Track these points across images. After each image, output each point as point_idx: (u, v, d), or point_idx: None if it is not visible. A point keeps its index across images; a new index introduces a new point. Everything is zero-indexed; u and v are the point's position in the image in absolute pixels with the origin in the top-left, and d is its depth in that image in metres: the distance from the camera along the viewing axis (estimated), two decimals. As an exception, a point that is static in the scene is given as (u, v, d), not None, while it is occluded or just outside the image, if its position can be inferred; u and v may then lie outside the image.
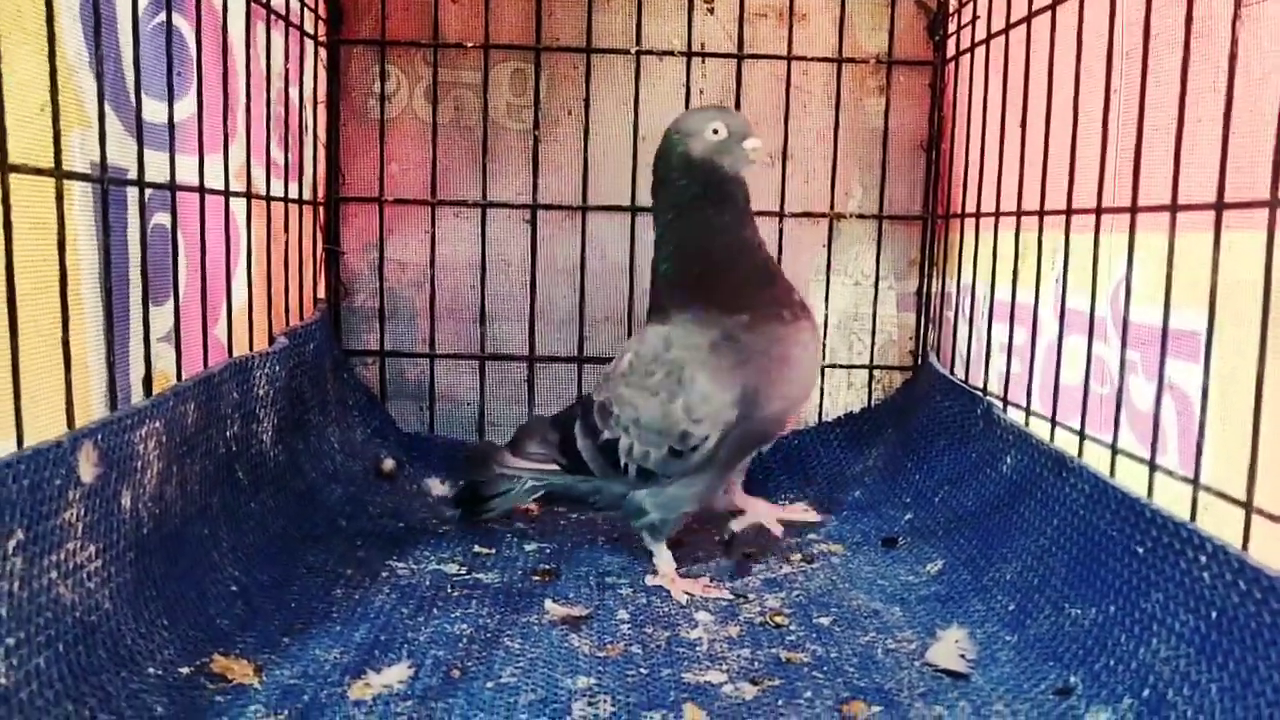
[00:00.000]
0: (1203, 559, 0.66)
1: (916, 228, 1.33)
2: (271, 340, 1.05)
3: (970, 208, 1.16)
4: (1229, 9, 0.68)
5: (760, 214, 1.29)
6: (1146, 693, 0.66)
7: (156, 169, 0.81)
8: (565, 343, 1.33)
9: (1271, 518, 0.64)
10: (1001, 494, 0.96)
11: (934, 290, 1.31)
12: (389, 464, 1.21)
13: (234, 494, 0.88)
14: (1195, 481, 0.72)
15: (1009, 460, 0.97)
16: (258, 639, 0.75)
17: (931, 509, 1.06)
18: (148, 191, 0.79)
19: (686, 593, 0.89)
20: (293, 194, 1.13)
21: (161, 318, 0.84)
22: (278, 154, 1.09)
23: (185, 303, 0.87)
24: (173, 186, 0.83)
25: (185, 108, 0.88)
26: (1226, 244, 0.70)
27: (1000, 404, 1.05)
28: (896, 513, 1.10)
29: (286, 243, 1.11)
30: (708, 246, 0.90)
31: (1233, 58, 0.68)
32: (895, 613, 0.87)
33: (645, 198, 1.29)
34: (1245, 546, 0.65)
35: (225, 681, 0.68)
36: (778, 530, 0.96)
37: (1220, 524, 0.68)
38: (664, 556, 0.93)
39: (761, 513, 0.98)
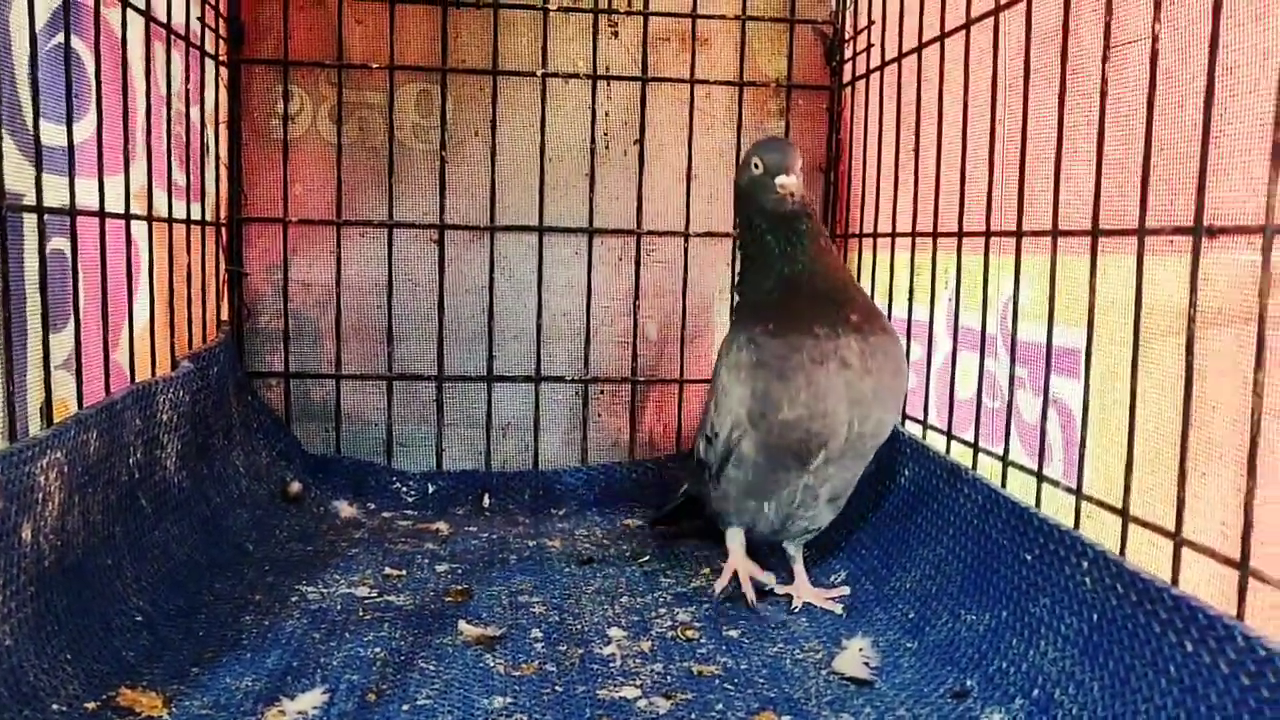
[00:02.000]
0: (1085, 564, 0.70)
1: (816, 247, 1.37)
2: (174, 364, 1.04)
3: (868, 228, 1.20)
4: (1099, 48, 0.73)
5: (666, 234, 1.33)
6: (1036, 693, 0.70)
7: (54, 192, 0.80)
8: (474, 362, 1.33)
9: (1146, 525, 0.68)
10: (900, 505, 1.00)
11: (834, 307, 1.35)
12: (295, 487, 1.20)
13: (137, 523, 0.87)
14: (1078, 491, 0.76)
15: (907, 472, 1.01)
16: (166, 670, 0.74)
17: (834, 522, 1.09)
18: (45, 215, 0.78)
19: (735, 573, 0.94)
20: (194, 215, 1.12)
21: (60, 343, 0.82)
22: (179, 175, 1.08)
23: (85, 328, 0.86)
24: (73, 212, 0.82)
25: (83, 130, 0.86)
26: (1102, 268, 0.74)
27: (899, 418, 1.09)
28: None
29: (188, 264, 1.09)
30: (759, 271, 0.93)
31: (1103, 94, 0.72)
32: (801, 623, 0.89)
33: (552, 218, 1.32)
34: (1122, 552, 0.69)
35: (133, 715, 0.67)
36: (799, 604, 0.94)
37: (1102, 531, 0.72)
38: (733, 536, 0.97)
39: (800, 586, 0.97)
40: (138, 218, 0.95)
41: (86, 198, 0.85)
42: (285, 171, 1.27)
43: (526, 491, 1.30)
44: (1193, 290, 0.62)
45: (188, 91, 1.10)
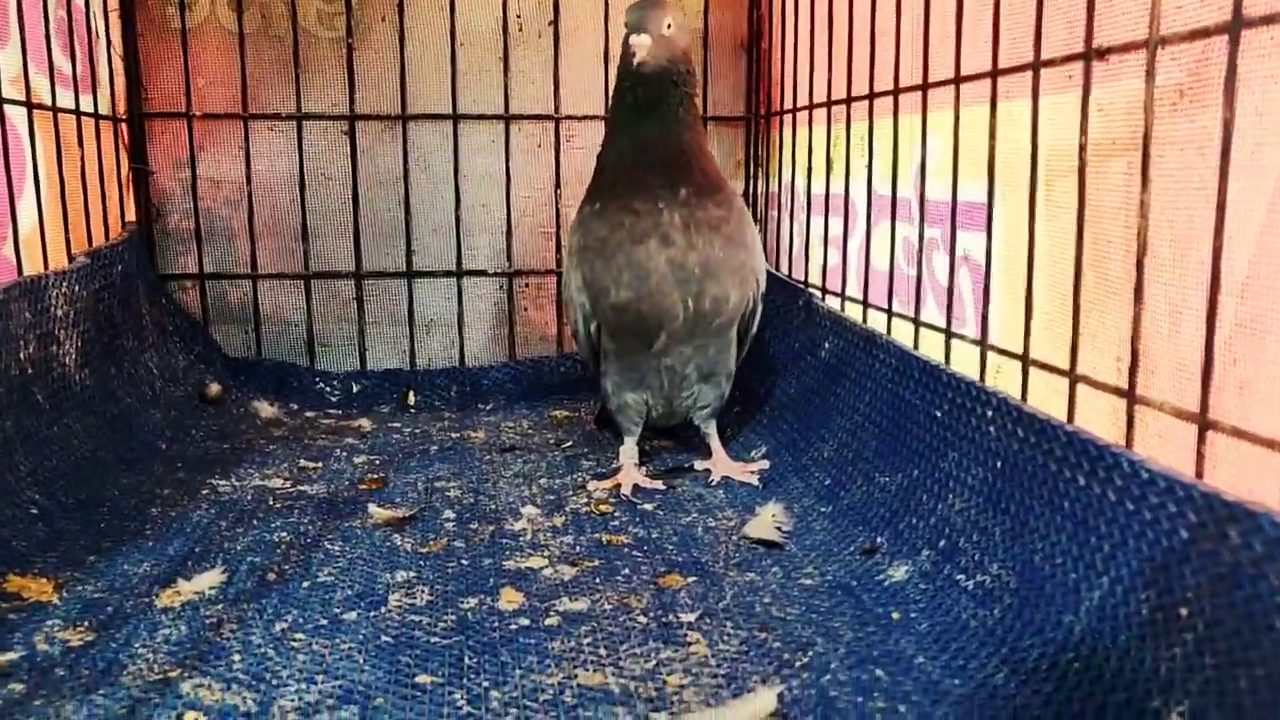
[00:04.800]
0: (989, 413, 0.69)
1: (740, 128, 1.34)
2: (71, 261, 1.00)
3: (788, 104, 1.17)
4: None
5: (586, 118, 1.29)
6: (942, 543, 0.69)
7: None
8: (393, 258, 1.30)
9: (1044, 366, 0.67)
10: (821, 379, 0.99)
11: (759, 190, 1.33)
12: (215, 388, 1.17)
13: (32, 418, 0.84)
14: (983, 342, 0.75)
15: (827, 345, 1.00)
16: (60, 559, 0.72)
17: (757, 400, 1.08)
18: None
19: (620, 484, 0.90)
20: (88, 107, 1.07)
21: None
22: (63, 62, 1.03)
23: (-37, 219, 0.82)
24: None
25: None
26: (1008, 113, 0.72)
27: (820, 294, 1.08)
28: (725, 406, 1.12)
29: (83, 159, 1.05)
30: (612, 134, 0.92)
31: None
32: (718, 495, 0.89)
33: (466, 105, 1.28)
34: (1024, 397, 0.68)
35: (20, 600, 0.65)
36: (716, 477, 0.93)
37: (1013, 383, 0.71)
38: (625, 446, 0.95)
39: (718, 461, 0.96)
40: (14, 102, 0.91)
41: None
42: (186, 63, 1.22)
43: (453, 388, 1.28)
44: (1084, 117, 0.61)
45: (69, -25, 1.04)
